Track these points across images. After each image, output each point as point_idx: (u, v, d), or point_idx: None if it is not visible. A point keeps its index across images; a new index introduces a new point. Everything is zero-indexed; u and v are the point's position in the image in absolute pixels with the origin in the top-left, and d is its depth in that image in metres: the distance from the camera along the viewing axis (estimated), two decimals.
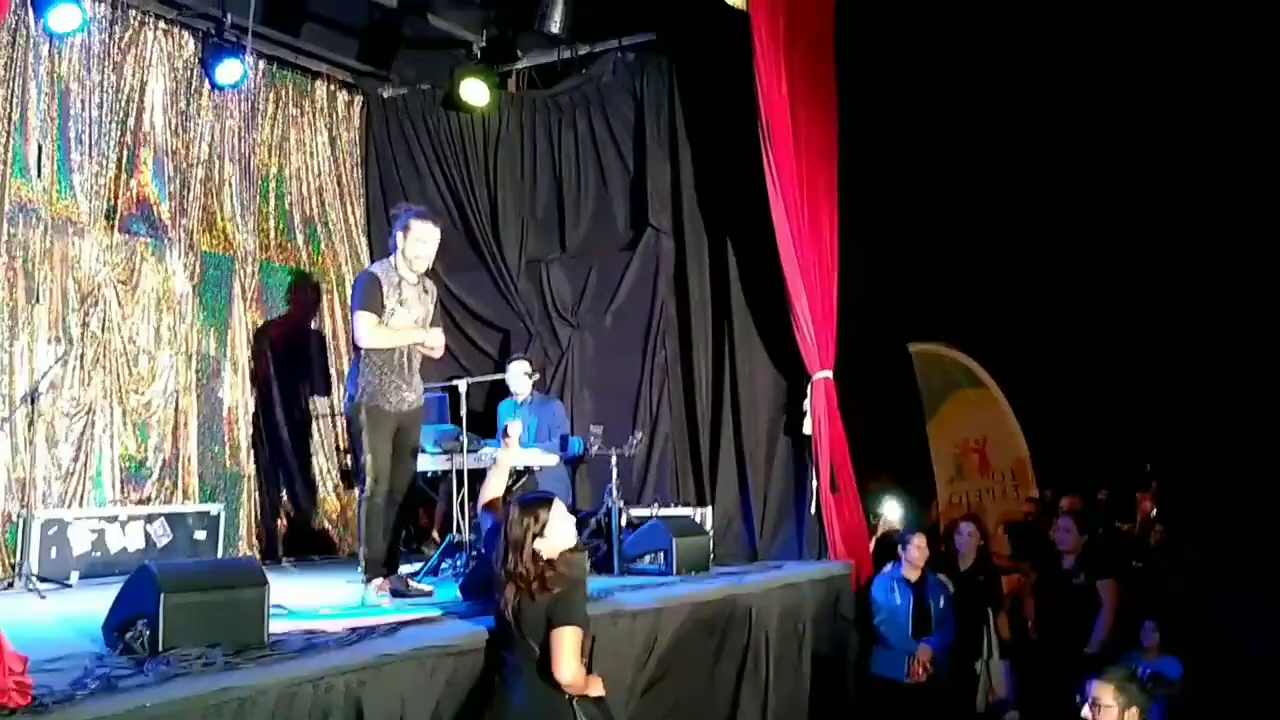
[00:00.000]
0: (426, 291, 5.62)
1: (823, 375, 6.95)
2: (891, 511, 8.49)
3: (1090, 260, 9.86)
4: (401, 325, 5.42)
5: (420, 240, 5.48)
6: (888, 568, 6.58)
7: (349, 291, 8.91)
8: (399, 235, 5.49)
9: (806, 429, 7.06)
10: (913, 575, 6.44)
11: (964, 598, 6.60)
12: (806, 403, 7.04)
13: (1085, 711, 4.09)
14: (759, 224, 7.01)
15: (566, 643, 3.75)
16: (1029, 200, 9.87)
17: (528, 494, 4.72)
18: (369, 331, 5.32)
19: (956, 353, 10.48)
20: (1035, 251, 10.06)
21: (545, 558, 3.87)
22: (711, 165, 7.87)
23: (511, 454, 4.92)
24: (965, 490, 10.31)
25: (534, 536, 3.88)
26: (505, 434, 4.98)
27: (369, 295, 5.36)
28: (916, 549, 6.44)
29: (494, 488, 4.60)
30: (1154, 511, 8.52)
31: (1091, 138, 9.28)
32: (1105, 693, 4.06)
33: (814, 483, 6.98)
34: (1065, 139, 9.34)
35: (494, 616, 4.08)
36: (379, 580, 5.30)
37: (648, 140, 8.29)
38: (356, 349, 5.46)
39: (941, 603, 6.42)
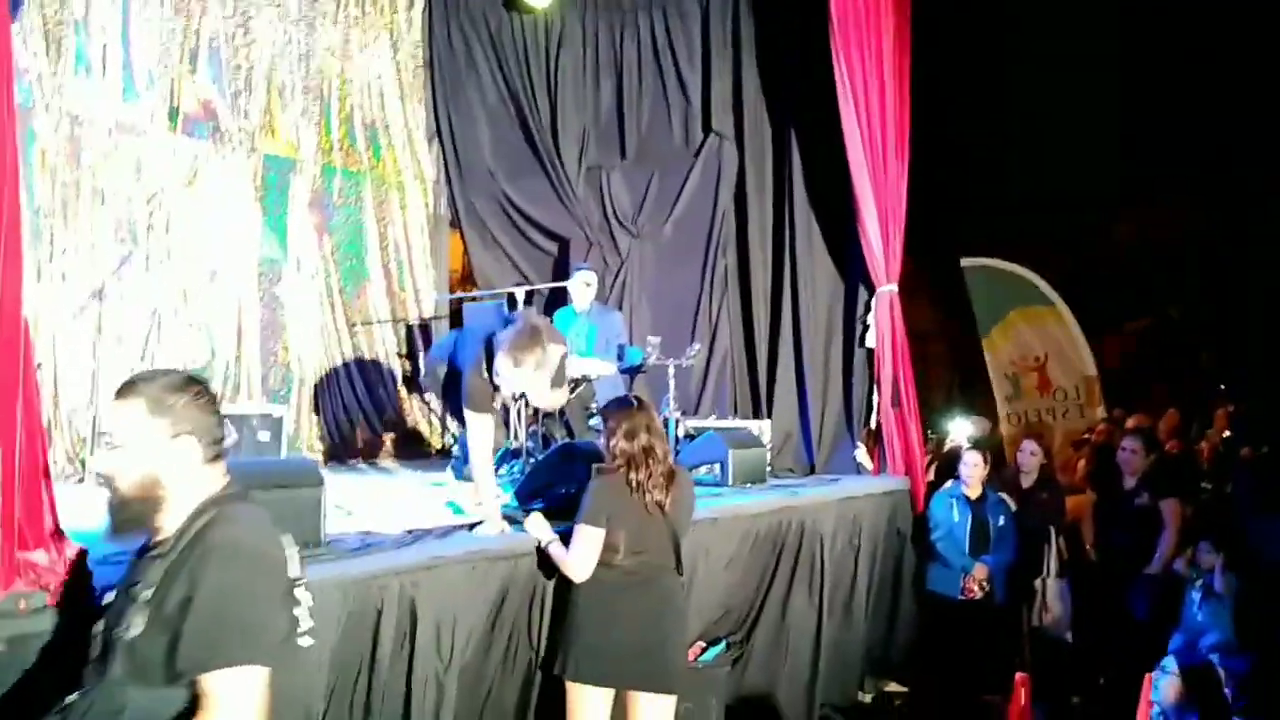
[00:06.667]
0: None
1: (888, 289, 6.81)
2: (958, 429, 8.37)
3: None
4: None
5: (502, 378, 4.17)
6: (948, 485, 6.50)
7: (409, 195, 8.94)
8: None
9: (870, 343, 6.95)
10: (972, 492, 6.35)
11: (1025, 516, 6.51)
12: (870, 316, 6.91)
13: None
14: (826, 132, 6.82)
15: None
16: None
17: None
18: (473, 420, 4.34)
19: (1019, 268, 10.18)
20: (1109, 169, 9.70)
21: None
22: (777, 70, 7.65)
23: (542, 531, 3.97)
24: (1024, 409, 10.12)
25: None
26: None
27: (478, 398, 4.33)
28: (971, 465, 6.34)
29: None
30: (1226, 432, 8.32)
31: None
32: None
33: (875, 397, 6.88)
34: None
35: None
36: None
37: (711, 43, 8.08)
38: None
39: (1001, 521, 6.32)
